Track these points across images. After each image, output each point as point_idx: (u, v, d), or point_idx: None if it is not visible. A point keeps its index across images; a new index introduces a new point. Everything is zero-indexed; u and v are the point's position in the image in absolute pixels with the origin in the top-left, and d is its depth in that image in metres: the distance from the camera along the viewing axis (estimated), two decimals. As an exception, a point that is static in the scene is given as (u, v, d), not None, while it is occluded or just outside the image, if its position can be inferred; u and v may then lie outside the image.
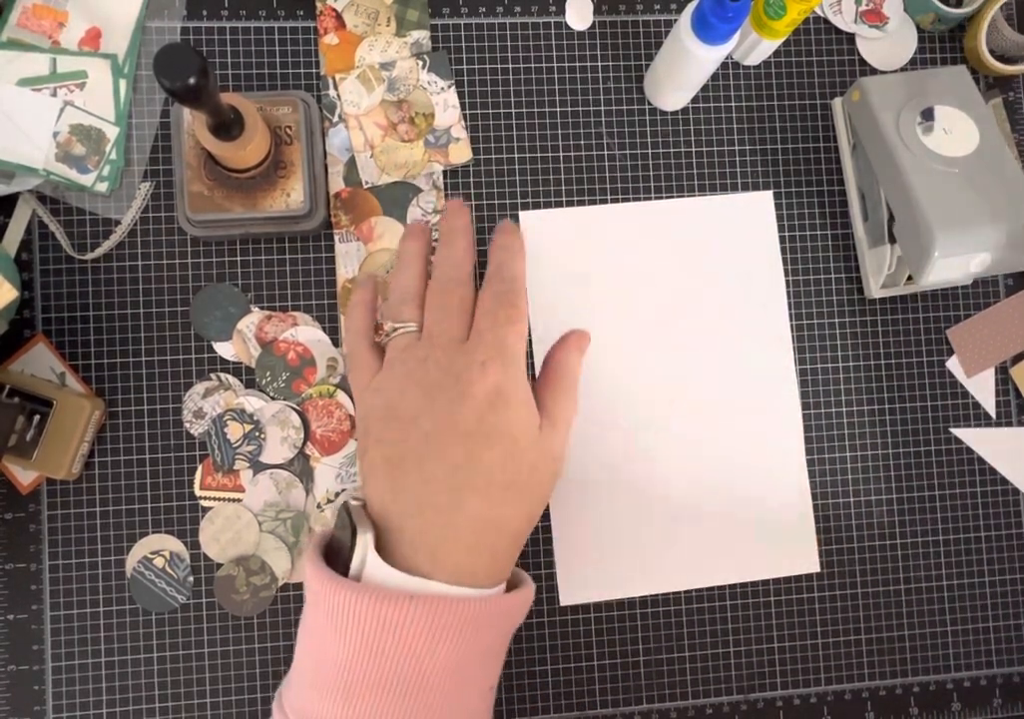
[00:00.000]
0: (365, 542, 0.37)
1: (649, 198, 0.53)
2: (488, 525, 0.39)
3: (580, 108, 0.53)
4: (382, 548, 0.38)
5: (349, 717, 0.37)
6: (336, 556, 0.39)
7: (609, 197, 0.53)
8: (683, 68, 0.48)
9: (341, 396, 0.50)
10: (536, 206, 0.52)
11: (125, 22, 0.50)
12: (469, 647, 0.38)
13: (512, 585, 0.41)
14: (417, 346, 0.41)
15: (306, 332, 0.50)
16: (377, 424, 0.40)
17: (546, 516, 0.51)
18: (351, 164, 0.51)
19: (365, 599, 0.36)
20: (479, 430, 0.38)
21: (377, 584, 0.37)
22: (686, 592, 0.51)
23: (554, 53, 0.53)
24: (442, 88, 0.52)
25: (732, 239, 0.53)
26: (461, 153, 0.52)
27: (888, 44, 0.55)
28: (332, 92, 0.51)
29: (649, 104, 0.54)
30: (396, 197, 0.51)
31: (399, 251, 0.46)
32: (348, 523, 0.38)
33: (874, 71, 0.55)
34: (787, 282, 0.53)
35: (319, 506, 0.49)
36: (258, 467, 0.49)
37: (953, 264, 0.46)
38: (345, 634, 0.36)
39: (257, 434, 0.49)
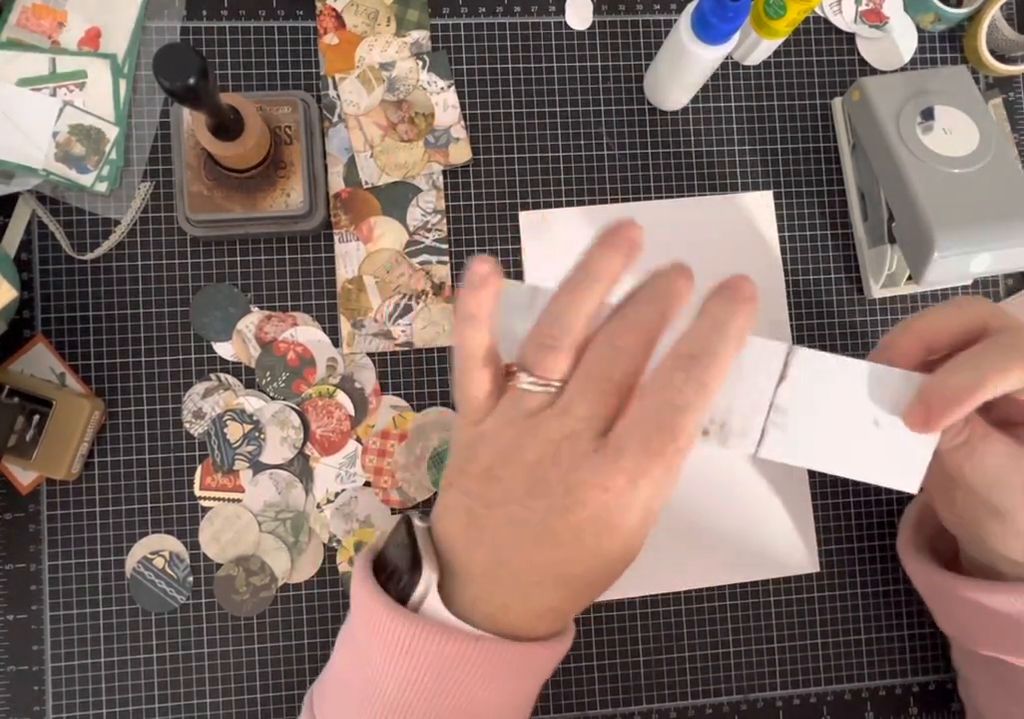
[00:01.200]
0: (428, 580, 0.34)
1: (649, 198, 0.53)
2: (550, 614, 0.36)
3: (580, 108, 0.53)
4: (441, 583, 0.35)
5: None
6: (385, 573, 0.36)
7: (609, 197, 0.53)
8: (683, 68, 0.48)
9: (341, 396, 0.50)
10: (536, 206, 0.52)
11: (125, 22, 0.50)
12: (519, 691, 0.37)
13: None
14: (545, 419, 0.33)
15: (306, 332, 0.50)
16: (470, 472, 0.34)
17: (546, 516, 0.51)
18: (351, 164, 0.51)
19: (428, 634, 0.33)
20: (571, 545, 0.33)
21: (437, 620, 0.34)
22: (686, 592, 0.51)
23: (554, 53, 0.53)
24: (442, 88, 0.52)
25: (732, 239, 0.53)
26: (461, 153, 0.52)
27: (888, 44, 0.55)
28: (332, 92, 0.51)
29: (649, 104, 0.54)
30: (396, 197, 0.51)
31: (583, 258, 0.35)
32: (408, 543, 0.35)
33: (874, 71, 0.55)
34: (787, 282, 0.53)
35: (319, 506, 0.49)
36: (258, 467, 0.49)
37: (953, 264, 0.46)
38: (402, 667, 0.34)
39: (257, 434, 0.49)
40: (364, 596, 0.35)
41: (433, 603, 0.34)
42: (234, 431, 0.49)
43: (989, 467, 0.36)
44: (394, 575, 0.36)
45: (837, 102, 0.54)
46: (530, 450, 0.33)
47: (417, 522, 0.36)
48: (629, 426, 0.32)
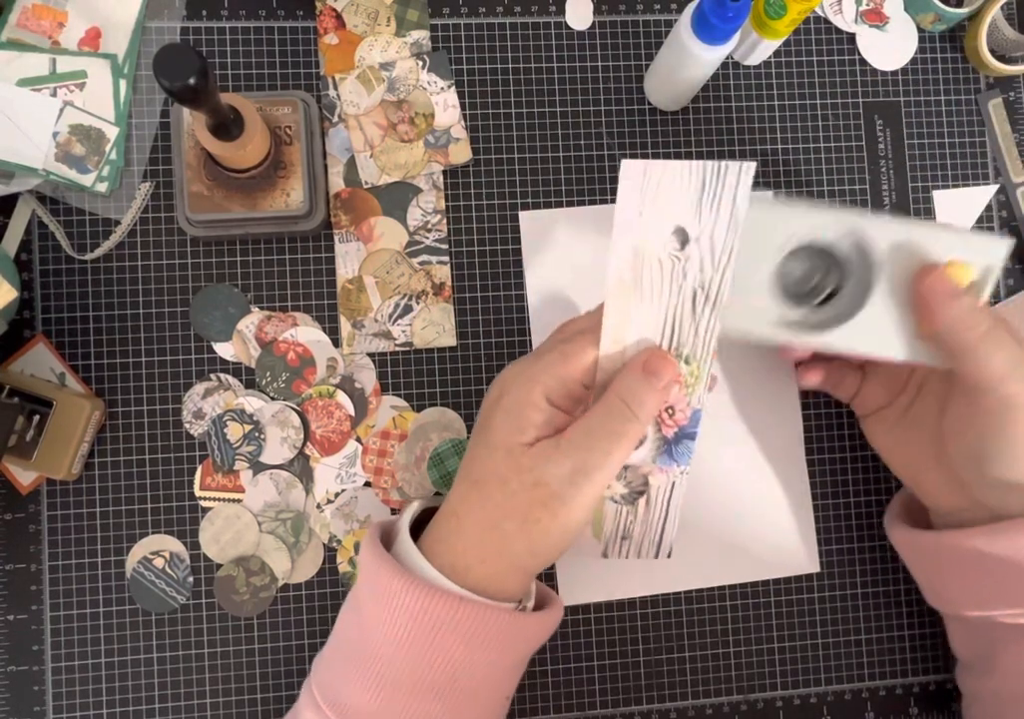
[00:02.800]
0: (410, 510, 0.40)
1: (649, 198, 0.53)
2: (456, 523, 0.40)
3: (580, 108, 0.53)
4: (429, 535, 0.40)
5: (383, 712, 0.38)
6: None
7: (609, 197, 0.53)
8: (683, 68, 0.48)
9: (341, 396, 0.50)
10: (536, 206, 0.52)
11: (125, 22, 0.50)
12: (502, 657, 0.39)
13: (541, 603, 0.42)
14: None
15: (306, 332, 0.50)
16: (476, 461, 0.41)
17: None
18: (351, 164, 0.51)
19: (417, 590, 0.37)
20: (479, 428, 0.40)
21: (418, 569, 0.38)
22: (686, 592, 0.51)
23: (554, 53, 0.53)
24: (442, 88, 0.52)
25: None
26: (461, 153, 0.52)
27: (888, 44, 0.55)
28: (332, 92, 0.51)
29: (649, 104, 0.54)
30: (396, 197, 0.51)
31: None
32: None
33: (874, 71, 0.55)
34: (787, 282, 0.53)
35: (319, 506, 0.49)
36: (258, 467, 0.49)
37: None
38: (393, 623, 0.37)
39: (257, 434, 0.49)
40: (365, 554, 0.39)
41: (404, 539, 0.39)
42: (234, 431, 0.49)
43: (1012, 352, 0.39)
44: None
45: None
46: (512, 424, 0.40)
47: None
48: (585, 424, 0.39)
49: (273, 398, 0.49)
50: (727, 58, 0.54)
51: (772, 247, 0.42)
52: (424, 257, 0.51)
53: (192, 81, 0.36)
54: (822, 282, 0.43)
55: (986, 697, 0.46)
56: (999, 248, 0.41)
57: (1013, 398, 0.39)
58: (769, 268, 0.42)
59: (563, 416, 0.39)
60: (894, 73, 0.56)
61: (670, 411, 0.43)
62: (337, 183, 0.51)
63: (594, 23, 0.54)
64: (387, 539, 0.41)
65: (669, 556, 0.46)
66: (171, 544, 0.48)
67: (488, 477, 0.39)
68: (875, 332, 0.42)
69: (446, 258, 0.51)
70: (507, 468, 0.38)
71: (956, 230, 0.42)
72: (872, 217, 0.42)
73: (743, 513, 0.52)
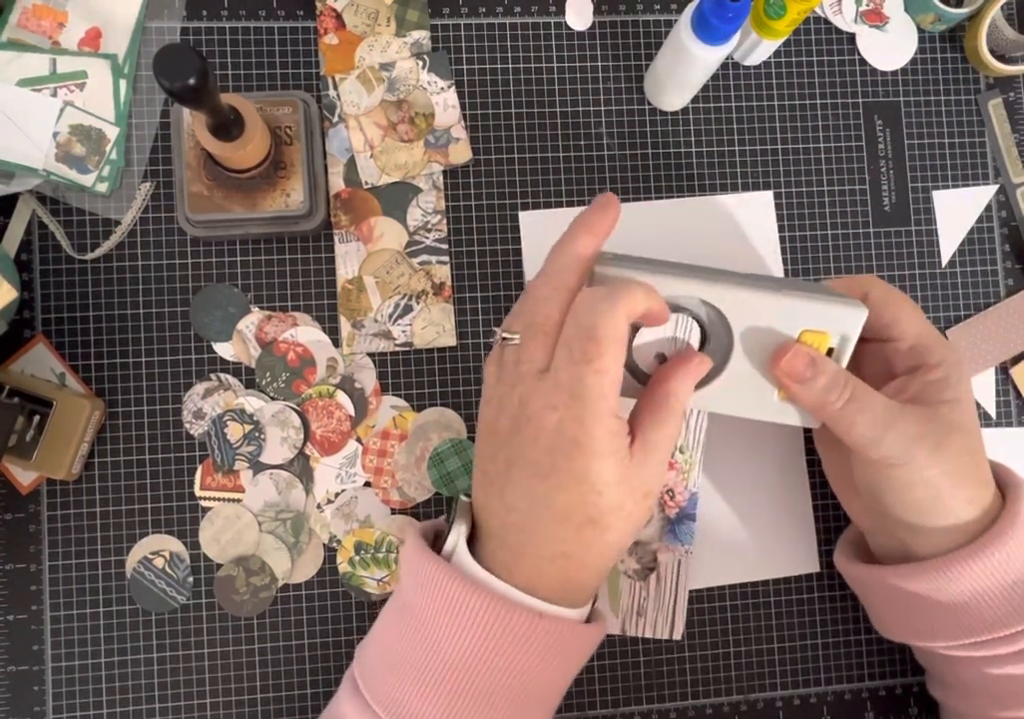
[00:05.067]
0: (459, 532, 0.39)
1: (649, 198, 0.53)
2: (565, 560, 0.38)
3: (580, 108, 0.53)
4: (474, 542, 0.40)
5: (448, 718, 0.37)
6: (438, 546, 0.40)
7: (609, 197, 0.53)
8: (683, 68, 0.48)
9: (341, 396, 0.50)
10: (536, 206, 0.52)
11: (125, 22, 0.50)
12: (567, 670, 0.40)
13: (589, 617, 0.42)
14: (512, 367, 0.39)
15: (306, 332, 0.50)
16: (481, 435, 0.40)
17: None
18: (351, 164, 0.51)
19: (496, 605, 0.36)
20: (552, 474, 0.37)
21: (489, 583, 0.38)
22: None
23: (554, 53, 0.53)
24: (442, 88, 0.52)
25: (732, 239, 0.53)
26: (461, 153, 0.52)
27: (888, 44, 0.55)
28: (332, 92, 0.51)
29: (649, 104, 0.54)
30: (396, 197, 0.51)
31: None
32: (452, 514, 0.40)
33: (874, 71, 0.55)
34: (787, 282, 0.53)
35: (319, 506, 0.49)
36: (258, 467, 0.49)
37: None
38: (465, 635, 0.37)
39: (257, 434, 0.49)
40: (421, 560, 0.38)
41: (461, 555, 0.38)
42: (234, 431, 0.49)
43: (879, 418, 0.39)
44: (438, 540, 0.40)
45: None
46: (506, 400, 0.38)
47: (463, 497, 0.41)
48: (558, 348, 0.37)
49: (273, 398, 0.49)
50: (727, 58, 0.54)
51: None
52: (424, 257, 0.51)
53: (192, 81, 0.36)
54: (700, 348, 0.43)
55: (955, 710, 0.47)
56: (856, 317, 0.40)
57: (886, 460, 0.40)
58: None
59: None
60: (894, 73, 0.56)
61: (670, 493, 0.47)
62: (337, 183, 0.51)
63: (594, 23, 0.54)
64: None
65: (680, 637, 0.50)
66: (171, 544, 0.48)
67: (605, 511, 0.38)
68: (738, 397, 0.42)
69: (446, 258, 0.51)
70: (622, 496, 0.38)
71: (813, 297, 0.40)
72: (725, 285, 0.40)
73: (743, 513, 0.52)
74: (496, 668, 0.37)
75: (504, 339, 0.39)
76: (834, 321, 0.40)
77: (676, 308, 0.41)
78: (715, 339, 0.41)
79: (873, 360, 0.44)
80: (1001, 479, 0.43)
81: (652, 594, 0.48)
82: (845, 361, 0.41)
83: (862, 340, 0.41)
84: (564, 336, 0.37)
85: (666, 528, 0.47)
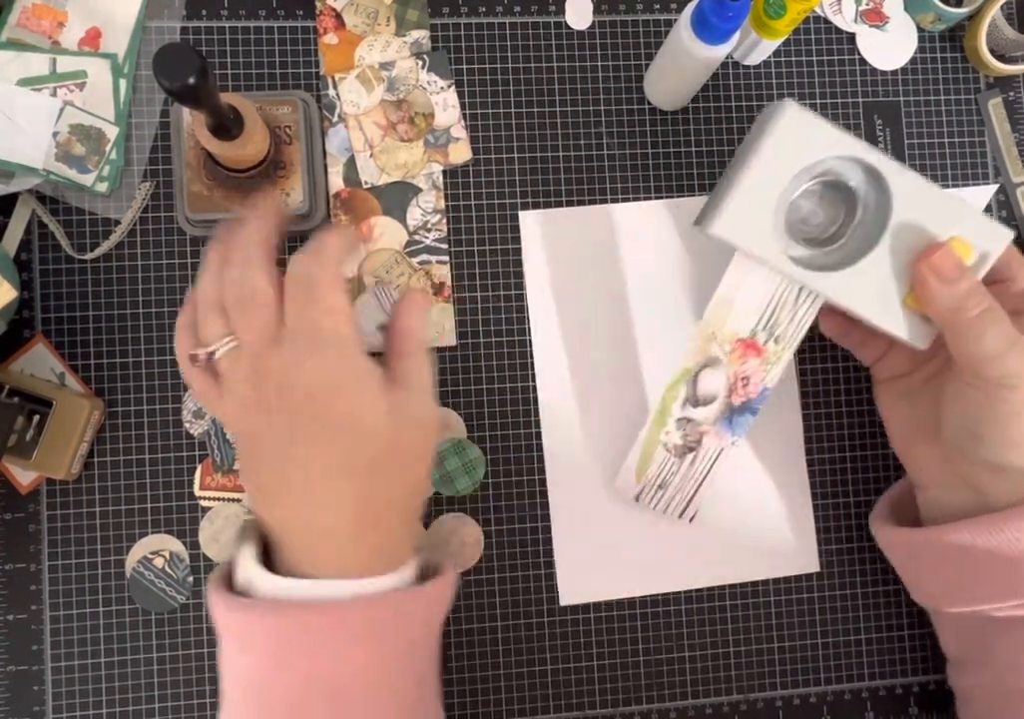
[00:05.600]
0: (245, 556, 0.37)
1: (649, 198, 0.53)
2: (362, 508, 0.37)
3: (580, 108, 0.53)
4: (275, 559, 0.37)
5: None
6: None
7: (609, 197, 0.53)
8: (683, 68, 0.48)
9: (341, 396, 0.49)
10: (536, 206, 0.52)
11: (125, 22, 0.50)
12: (388, 646, 0.37)
13: (431, 569, 0.40)
14: (238, 363, 0.37)
15: (306, 332, 0.50)
16: (241, 458, 0.39)
17: (546, 517, 0.50)
18: (351, 164, 0.51)
19: (261, 617, 0.35)
20: (319, 428, 0.36)
21: (270, 596, 0.35)
22: (686, 592, 0.51)
23: (554, 53, 0.53)
24: (442, 88, 0.52)
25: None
26: (461, 153, 0.52)
27: (888, 44, 0.55)
28: (332, 92, 0.51)
29: (649, 104, 0.54)
30: (396, 197, 0.51)
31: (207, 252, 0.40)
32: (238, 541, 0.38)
33: (874, 70, 0.55)
34: (787, 282, 0.53)
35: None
36: (258, 467, 0.49)
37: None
38: (253, 655, 0.35)
39: (257, 434, 0.49)
40: (210, 599, 0.37)
41: (260, 579, 0.36)
42: (234, 431, 0.49)
43: (1007, 334, 0.39)
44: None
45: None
46: (247, 396, 0.37)
47: (247, 518, 0.40)
48: (285, 305, 0.37)
49: (273, 398, 0.49)
50: (727, 58, 0.54)
51: (805, 161, 0.41)
52: (424, 257, 0.51)
53: (192, 81, 0.36)
54: (839, 231, 0.43)
55: (981, 693, 0.46)
56: (1003, 237, 0.41)
57: (1004, 379, 0.39)
58: (790, 190, 0.42)
59: None
60: (894, 73, 0.56)
61: (744, 381, 0.45)
62: (337, 183, 0.51)
63: (594, 23, 0.54)
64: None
65: (691, 520, 0.48)
66: (171, 544, 0.48)
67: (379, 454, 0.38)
68: (863, 289, 0.42)
69: (446, 258, 0.51)
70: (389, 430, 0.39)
71: (970, 208, 0.42)
72: (901, 166, 0.41)
73: (743, 512, 0.52)
74: (292, 672, 0.35)
75: (212, 352, 0.37)
76: (983, 234, 0.41)
77: (836, 179, 0.42)
78: (862, 223, 0.42)
79: None
80: None
81: (680, 472, 0.47)
82: (980, 276, 0.42)
83: None
84: (287, 295, 0.37)
85: (725, 415, 0.45)
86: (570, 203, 0.53)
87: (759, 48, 0.52)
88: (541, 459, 0.51)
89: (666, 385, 0.45)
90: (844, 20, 0.55)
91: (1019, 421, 0.40)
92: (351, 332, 0.37)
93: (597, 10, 0.54)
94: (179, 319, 0.41)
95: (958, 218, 0.41)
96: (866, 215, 0.42)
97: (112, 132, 0.50)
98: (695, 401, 0.45)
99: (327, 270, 0.37)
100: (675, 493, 0.48)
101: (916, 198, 0.41)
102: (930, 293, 0.40)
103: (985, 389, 0.40)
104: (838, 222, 0.44)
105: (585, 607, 0.50)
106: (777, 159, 0.41)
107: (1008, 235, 0.42)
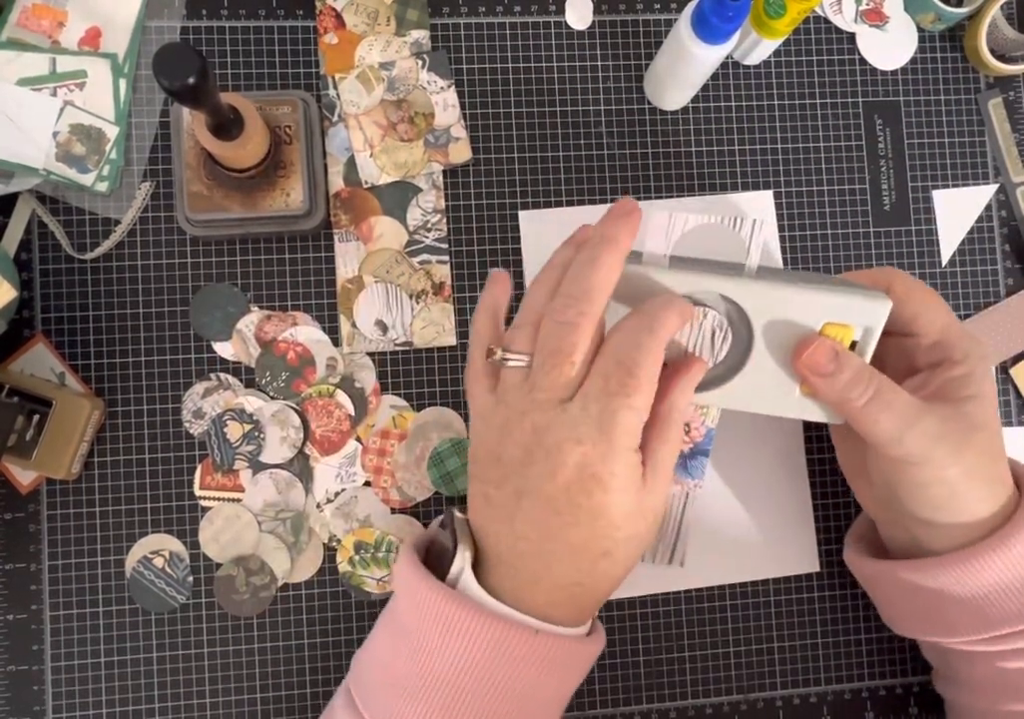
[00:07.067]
0: (464, 558, 0.37)
1: (649, 198, 0.53)
2: (579, 588, 0.38)
3: (580, 108, 0.53)
4: (477, 565, 0.38)
5: None
6: (437, 561, 0.39)
7: (609, 197, 0.53)
8: (683, 68, 0.48)
9: (341, 396, 0.50)
10: (536, 206, 0.52)
11: (125, 22, 0.50)
12: (566, 686, 0.39)
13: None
14: (520, 392, 0.37)
15: (306, 332, 0.50)
16: (480, 457, 0.39)
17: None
18: (351, 164, 0.51)
19: (493, 625, 0.36)
20: (568, 509, 0.36)
21: (488, 604, 0.37)
22: (686, 592, 0.51)
23: (554, 53, 0.53)
24: (442, 88, 0.52)
25: (732, 239, 0.53)
26: (461, 153, 0.52)
27: (888, 43, 0.55)
28: (332, 92, 0.51)
29: (649, 104, 0.54)
30: (396, 197, 0.51)
31: (561, 246, 0.40)
32: (450, 530, 0.39)
33: (874, 70, 0.55)
34: (787, 282, 0.53)
35: (319, 506, 0.49)
36: (258, 467, 0.49)
37: None
38: (462, 656, 0.36)
39: (257, 434, 0.49)
40: (417, 582, 0.37)
41: (468, 585, 0.37)
42: (234, 431, 0.49)
43: (901, 416, 0.39)
44: (441, 560, 0.39)
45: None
46: (515, 426, 0.37)
47: (457, 513, 0.40)
48: (591, 377, 0.36)
49: (273, 397, 0.49)
50: (727, 58, 0.54)
51: None
52: (424, 256, 0.51)
53: (192, 81, 0.36)
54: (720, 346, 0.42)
55: (961, 708, 0.47)
56: (880, 310, 0.39)
57: (906, 458, 0.39)
58: None
59: None
60: (894, 73, 0.56)
61: (686, 427, 0.46)
62: (337, 183, 0.51)
63: (594, 23, 0.54)
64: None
65: (682, 565, 0.49)
66: (171, 543, 0.48)
67: (621, 542, 0.38)
68: (759, 393, 0.41)
69: (446, 258, 0.51)
70: (636, 525, 0.38)
71: (835, 289, 0.40)
72: (744, 281, 0.40)
73: (743, 513, 0.52)
74: (493, 687, 0.37)
75: (505, 359, 0.37)
76: (857, 314, 0.39)
77: (696, 303, 0.40)
78: (735, 335, 0.41)
79: (894, 354, 0.43)
80: (1018, 475, 0.42)
81: None
82: (868, 355, 0.40)
83: (883, 334, 0.40)
84: (600, 368, 0.36)
85: (678, 463, 0.45)
86: (570, 203, 0.53)
87: (759, 48, 0.52)
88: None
89: None
90: (844, 20, 0.55)
91: (929, 491, 0.40)
92: (638, 432, 0.36)
93: (597, 10, 0.54)
94: (486, 296, 0.41)
95: (825, 305, 0.39)
96: (735, 327, 0.41)
97: (112, 132, 0.50)
98: None
99: (652, 359, 0.36)
100: (657, 545, 0.49)
101: (773, 303, 0.40)
102: (814, 388, 0.40)
103: (891, 463, 0.40)
104: (716, 336, 0.42)
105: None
106: (623, 314, 0.39)
107: (886, 304, 0.39)
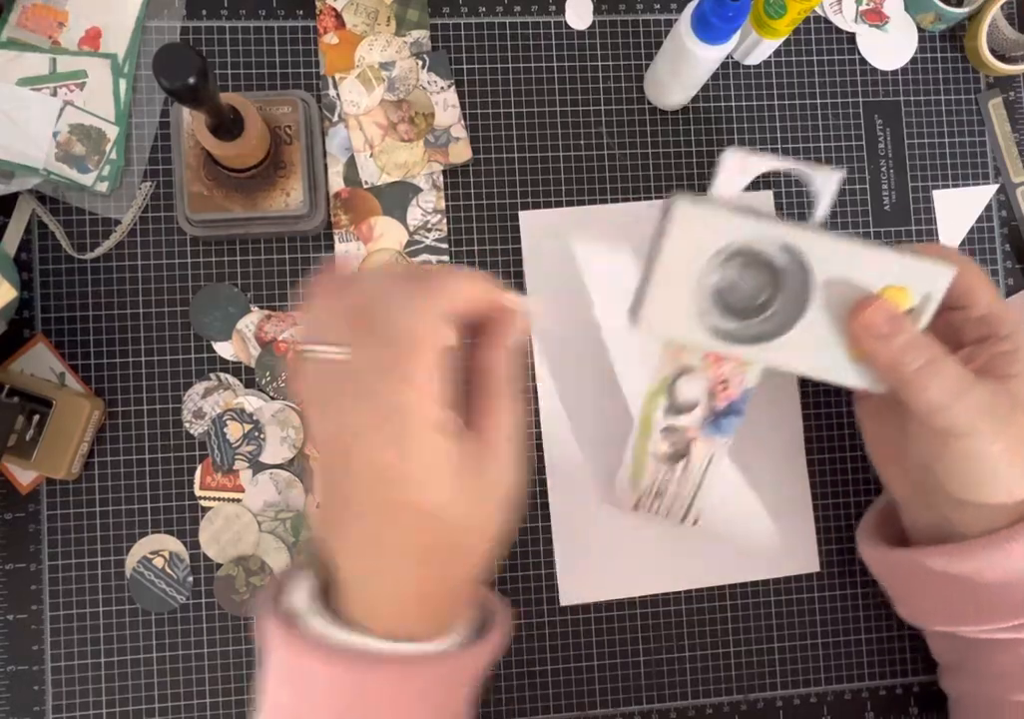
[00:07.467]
0: (304, 588, 0.34)
1: (649, 198, 0.53)
2: (427, 595, 0.34)
3: (580, 108, 0.53)
4: (332, 592, 0.35)
5: None
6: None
7: (609, 197, 0.53)
8: (683, 68, 0.48)
9: (341, 396, 0.49)
10: (536, 206, 0.52)
11: (125, 22, 0.50)
12: (438, 709, 0.35)
13: (480, 621, 0.37)
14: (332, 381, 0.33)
15: (306, 332, 0.50)
16: (318, 462, 0.37)
17: (546, 517, 0.50)
18: (351, 164, 0.51)
19: (326, 664, 0.32)
20: (380, 510, 0.32)
21: (334, 643, 0.33)
22: (686, 592, 0.51)
23: (554, 53, 0.53)
24: (442, 88, 0.52)
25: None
26: (461, 153, 0.52)
27: (888, 43, 0.55)
28: (332, 92, 0.51)
29: (649, 104, 0.54)
30: (396, 197, 0.51)
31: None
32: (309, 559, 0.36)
33: (875, 71, 0.55)
34: (787, 282, 0.53)
35: (319, 506, 0.49)
36: (258, 467, 0.49)
37: None
38: (309, 699, 0.33)
39: (257, 434, 0.49)
40: (267, 625, 0.34)
41: (308, 617, 0.33)
42: (234, 431, 0.49)
43: (952, 385, 0.38)
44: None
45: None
46: (330, 423, 0.33)
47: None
48: (362, 359, 0.32)
49: (273, 397, 0.49)
50: (727, 58, 0.54)
51: (709, 251, 0.40)
52: (424, 257, 0.51)
53: (192, 81, 0.36)
54: (770, 300, 0.42)
55: (969, 701, 0.47)
56: (943, 276, 0.39)
57: (952, 429, 0.38)
58: (705, 273, 0.41)
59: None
60: (894, 73, 0.56)
61: (724, 384, 0.44)
62: (337, 183, 0.51)
63: (594, 23, 0.54)
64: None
65: (695, 523, 0.47)
66: (171, 544, 0.48)
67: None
68: (806, 352, 0.41)
69: (446, 258, 0.51)
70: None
71: (900, 252, 0.39)
72: (811, 232, 0.40)
73: (743, 513, 0.52)
74: None
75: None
76: (919, 278, 0.39)
77: (754, 253, 0.40)
78: (789, 290, 0.40)
79: (939, 327, 0.43)
80: None
81: (676, 478, 0.46)
82: (924, 321, 0.40)
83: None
84: (363, 339, 0.31)
85: (709, 419, 0.44)
86: (570, 203, 0.53)
87: (759, 48, 0.52)
88: (541, 459, 0.51)
89: (644, 396, 0.44)
90: (844, 20, 0.55)
91: (970, 465, 0.39)
92: (431, 407, 0.31)
93: (597, 10, 0.54)
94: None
95: (889, 267, 0.39)
96: (790, 282, 0.40)
97: (112, 132, 0.50)
98: (677, 409, 0.44)
99: (418, 324, 0.31)
100: (672, 500, 0.47)
101: (836, 258, 0.39)
102: (867, 349, 0.39)
103: (934, 436, 0.39)
104: (767, 289, 0.42)
105: (585, 607, 0.50)
106: (680, 256, 0.40)
107: (948, 272, 0.39)
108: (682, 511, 0.47)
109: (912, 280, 0.39)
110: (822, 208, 0.41)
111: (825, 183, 0.40)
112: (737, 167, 0.40)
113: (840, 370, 0.41)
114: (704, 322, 0.41)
